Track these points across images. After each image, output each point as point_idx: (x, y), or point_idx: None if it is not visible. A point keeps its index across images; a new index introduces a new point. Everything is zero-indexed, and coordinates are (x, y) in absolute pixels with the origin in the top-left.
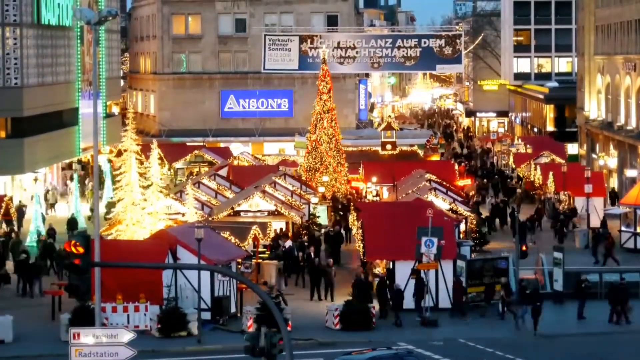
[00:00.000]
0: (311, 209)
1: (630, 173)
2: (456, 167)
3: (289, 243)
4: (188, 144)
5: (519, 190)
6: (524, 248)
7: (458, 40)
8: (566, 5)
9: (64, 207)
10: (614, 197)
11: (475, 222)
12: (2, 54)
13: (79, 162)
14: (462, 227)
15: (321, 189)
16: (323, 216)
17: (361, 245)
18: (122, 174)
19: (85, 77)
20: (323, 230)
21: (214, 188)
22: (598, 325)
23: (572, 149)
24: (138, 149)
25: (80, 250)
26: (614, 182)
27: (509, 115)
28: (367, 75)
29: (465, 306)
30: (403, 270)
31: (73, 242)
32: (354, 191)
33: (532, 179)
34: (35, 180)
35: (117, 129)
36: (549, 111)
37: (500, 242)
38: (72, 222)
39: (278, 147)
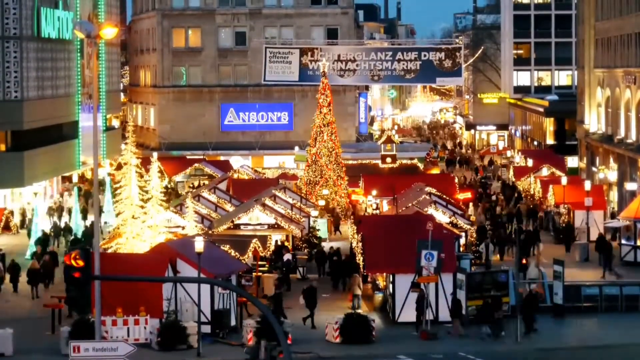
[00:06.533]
0: (311, 222)
1: (630, 186)
2: (456, 180)
3: (288, 256)
4: (188, 157)
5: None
6: (524, 261)
7: (458, 53)
8: (566, 18)
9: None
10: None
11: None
12: (2, 67)
13: (81, 178)
14: (462, 240)
15: (321, 202)
16: (323, 229)
17: (361, 258)
18: (122, 187)
19: (85, 90)
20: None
21: (213, 201)
22: (599, 338)
23: (572, 162)
24: (138, 162)
25: (80, 263)
26: (614, 196)
27: (509, 128)
28: (367, 88)
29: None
30: (403, 283)
31: (73, 255)
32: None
33: (532, 192)
34: (35, 194)
35: (117, 142)
36: (549, 124)
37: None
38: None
39: (278, 160)
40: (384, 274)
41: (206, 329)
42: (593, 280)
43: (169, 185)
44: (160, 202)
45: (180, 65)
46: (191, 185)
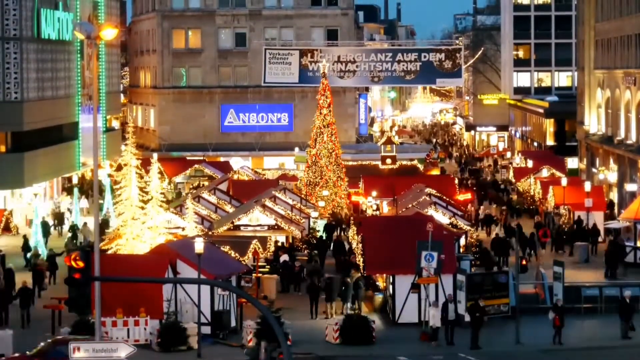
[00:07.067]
0: (311, 223)
1: (630, 187)
2: (456, 181)
3: (285, 257)
4: (188, 158)
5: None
6: (523, 262)
7: (458, 54)
8: (566, 19)
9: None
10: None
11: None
12: (2, 69)
13: (80, 181)
14: (462, 241)
15: (321, 203)
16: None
17: (361, 259)
18: (122, 189)
19: (85, 91)
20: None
21: (214, 202)
22: (599, 339)
23: (572, 163)
24: (138, 163)
25: (80, 264)
26: (614, 197)
27: (509, 129)
28: (367, 89)
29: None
30: (403, 284)
31: (73, 256)
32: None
33: (532, 194)
34: (35, 195)
35: (117, 143)
36: (549, 125)
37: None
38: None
39: (278, 161)
40: (384, 275)
41: (206, 330)
42: (593, 281)
43: (169, 188)
44: (160, 203)
45: (180, 66)
46: (192, 187)
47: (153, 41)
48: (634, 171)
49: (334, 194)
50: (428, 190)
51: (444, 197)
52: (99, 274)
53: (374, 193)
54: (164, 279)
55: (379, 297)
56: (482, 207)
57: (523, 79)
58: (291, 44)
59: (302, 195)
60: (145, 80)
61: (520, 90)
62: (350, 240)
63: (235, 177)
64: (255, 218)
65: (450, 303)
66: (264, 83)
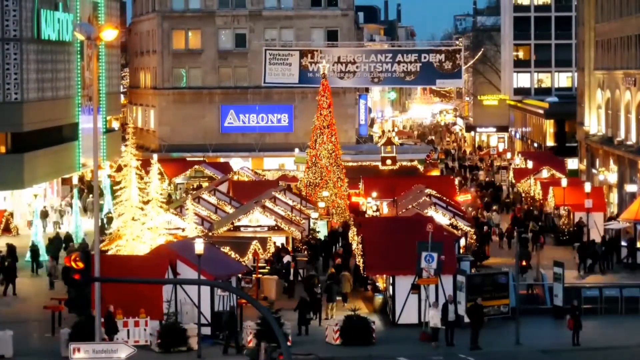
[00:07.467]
0: (311, 224)
1: (630, 188)
2: (456, 181)
3: (287, 258)
4: (188, 159)
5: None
6: (523, 263)
7: (458, 55)
8: (566, 20)
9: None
10: None
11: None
12: (2, 69)
13: (80, 180)
14: (462, 242)
15: (321, 204)
16: (323, 231)
17: (361, 260)
18: (122, 189)
19: (85, 92)
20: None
21: (214, 203)
22: (599, 340)
23: (572, 164)
24: (138, 164)
25: (80, 265)
26: (614, 197)
27: (509, 130)
28: (367, 90)
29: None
30: (403, 285)
31: (73, 256)
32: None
33: (532, 194)
34: (35, 196)
35: (117, 144)
36: (549, 126)
37: (500, 257)
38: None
39: (278, 162)
40: (384, 275)
41: (206, 330)
42: (593, 282)
43: (169, 189)
44: (160, 204)
45: (180, 67)
46: (192, 187)
47: (153, 42)
48: (634, 172)
49: (334, 194)
50: (428, 191)
51: (444, 198)
52: (99, 274)
53: (374, 194)
54: (164, 279)
55: (379, 298)
56: (487, 213)
57: (523, 80)
58: (291, 44)
59: (302, 196)
60: (145, 81)
61: (520, 91)
62: (350, 241)
63: (235, 178)
64: (255, 219)
65: (450, 304)
66: (264, 84)
